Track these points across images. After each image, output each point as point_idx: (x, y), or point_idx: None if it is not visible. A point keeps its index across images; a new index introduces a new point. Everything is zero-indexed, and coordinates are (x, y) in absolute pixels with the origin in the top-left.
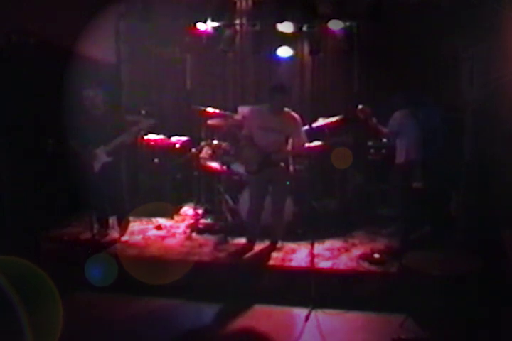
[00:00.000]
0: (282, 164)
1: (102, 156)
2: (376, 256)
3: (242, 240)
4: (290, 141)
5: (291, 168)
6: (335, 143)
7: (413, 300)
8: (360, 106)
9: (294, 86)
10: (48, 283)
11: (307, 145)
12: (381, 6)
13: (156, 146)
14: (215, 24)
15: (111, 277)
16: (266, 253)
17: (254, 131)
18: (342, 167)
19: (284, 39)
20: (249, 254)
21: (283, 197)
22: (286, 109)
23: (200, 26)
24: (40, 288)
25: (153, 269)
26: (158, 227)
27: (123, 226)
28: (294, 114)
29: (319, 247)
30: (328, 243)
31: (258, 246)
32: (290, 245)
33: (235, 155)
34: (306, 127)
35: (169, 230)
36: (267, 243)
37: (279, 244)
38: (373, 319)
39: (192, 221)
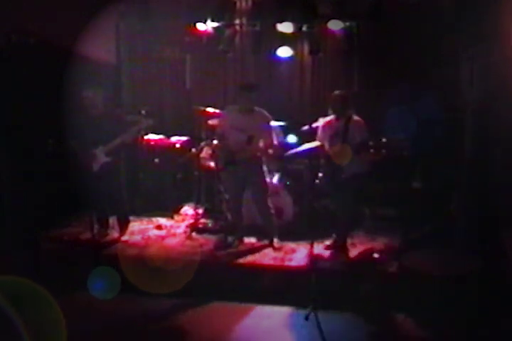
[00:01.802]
0: (252, 163)
1: (100, 156)
2: (376, 256)
3: (243, 240)
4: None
5: (264, 168)
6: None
7: (413, 300)
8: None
9: (294, 86)
10: (50, 303)
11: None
12: (381, 6)
13: (156, 146)
14: (215, 24)
15: (114, 290)
16: (265, 252)
17: (226, 130)
18: (341, 162)
19: (284, 39)
20: (249, 254)
21: (261, 197)
22: (257, 109)
23: (200, 26)
24: (43, 308)
25: (153, 269)
26: (159, 227)
27: (123, 226)
28: (265, 113)
29: (319, 247)
30: (328, 243)
31: (256, 246)
32: (290, 245)
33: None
34: (306, 127)
35: (169, 230)
36: (263, 242)
37: (276, 243)
38: (373, 319)
39: (192, 221)
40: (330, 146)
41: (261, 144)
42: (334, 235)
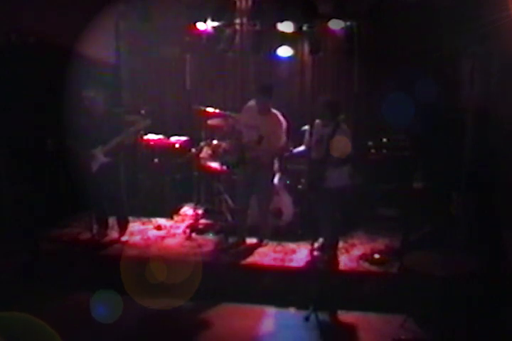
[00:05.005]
0: (262, 165)
1: (99, 157)
2: (376, 256)
3: (245, 241)
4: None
5: (275, 166)
6: None
7: (413, 301)
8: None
9: (294, 86)
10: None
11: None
12: (381, 6)
13: (156, 146)
14: (215, 24)
15: (116, 313)
16: (265, 253)
17: (242, 127)
18: (340, 156)
19: (284, 39)
20: (249, 254)
21: (266, 197)
22: (274, 111)
23: (200, 26)
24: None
25: (152, 269)
26: (158, 227)
27: (122, 226)
28: (280, 117)
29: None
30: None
31: (256, 247)
32: (290, 245)
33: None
34: (306, 127)
35: (169, 230)
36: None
37: (265, 242)
38: (373, 319)
39: (192, 221)
40: (314, 152)
41: (271, 146)
42: (321, 238)
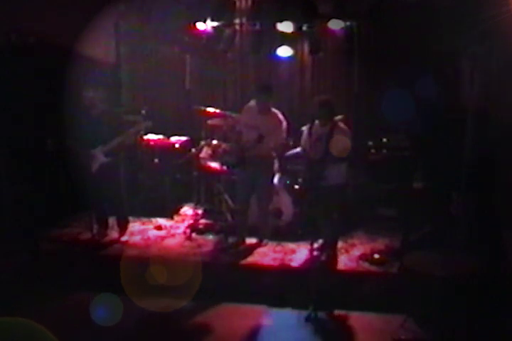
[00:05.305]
0: (262, 164)
1: (99, 157)
2: (376, 256)
3: (245, 241)
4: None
5: (275, 167)
6: None
7: (413, 301)
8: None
9: (294, 86)
10: None
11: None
12: (381, 6)
13: (156, 146)
14: (215, 24)
15: (117, 316)
16: (265, 253)
17: (242, 128)
18: (339, 155)
19: (284, 39)
20: (249, 254)
21: (266, 197)
22: (274, 110)
23: (200, 26)
24: None
25: (152, 270)
26: (158, 227)
27: (122, 226)
28: (280, 116)
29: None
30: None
31: (256, 246)
32: (290, 245)
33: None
34: (306, 127)
35: (169, 230)
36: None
37: (265, 242)
38: (373, 319)
39: (192, 221)
40: (313, 151)
41: (271, 145)
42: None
